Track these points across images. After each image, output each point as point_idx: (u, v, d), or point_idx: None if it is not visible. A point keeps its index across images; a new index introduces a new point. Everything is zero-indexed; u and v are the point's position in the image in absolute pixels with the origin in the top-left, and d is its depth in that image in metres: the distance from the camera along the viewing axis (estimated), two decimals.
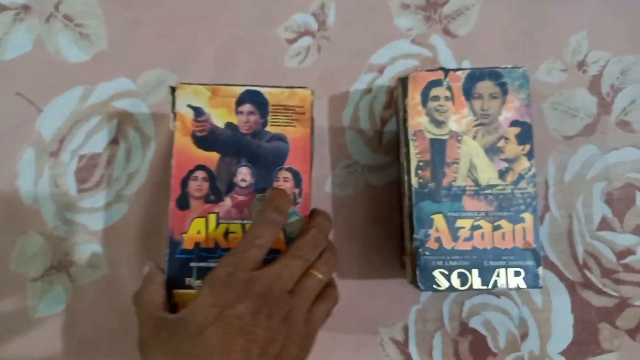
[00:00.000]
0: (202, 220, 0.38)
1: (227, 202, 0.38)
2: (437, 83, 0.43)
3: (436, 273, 0.41)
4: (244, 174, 0.39)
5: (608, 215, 0.49)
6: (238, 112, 0.40)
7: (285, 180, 0.39)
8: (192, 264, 0.38)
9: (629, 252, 0.48)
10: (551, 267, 0.48)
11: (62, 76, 0.50)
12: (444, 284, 0.41)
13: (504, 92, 0.43)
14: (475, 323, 0.48)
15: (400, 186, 0.47)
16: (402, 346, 0.48)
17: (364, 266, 0.49)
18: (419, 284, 0.41)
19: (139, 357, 0.33)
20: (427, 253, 0.41)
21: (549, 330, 0.48)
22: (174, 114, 0.39)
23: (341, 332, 0.48)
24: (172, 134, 0.40)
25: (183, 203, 0.39)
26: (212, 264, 0.37)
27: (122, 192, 0.49)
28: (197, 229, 0.38)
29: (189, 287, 0.37)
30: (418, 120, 0.43)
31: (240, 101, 0.40)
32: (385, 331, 0.48)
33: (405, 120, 0.43)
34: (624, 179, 0.49)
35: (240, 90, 0.40)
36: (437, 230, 0.42)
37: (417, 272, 0.41)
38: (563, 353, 0.47)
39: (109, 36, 0.51)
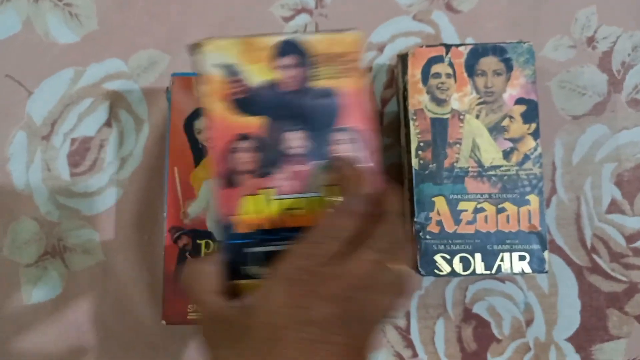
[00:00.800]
0: (254, 197, 0.32)
1: (282, 174, 0.32)
2: (438, 59, 0.41)
3: (437, 257, 0.40)
4: (294, 140, 0.32)
5: (618, 197, 0.47)
6: (278, 67, 0.33)
7: (341, 143, 0.33)
8: (248, 250, 0.32)
9: (639, 235, 0.47)
10: (558, 251, 0.47)
11: (52, 57, 0.48)
12: (445, 268, 0.40)
13: (509, 68, 0.41)
14: (479, 309, 0.46)
15: (401, 168, 0.45)
16: (404, 332, 0.47)
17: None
18: (420, 269, 0.40)
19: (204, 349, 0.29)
20: (428, 237, 0.40)
21: (555, 316, 0.46)
22: (200, 76, 0.33)
23: None
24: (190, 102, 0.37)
25: (229, 181, 0.32)
26: (271, 248, 0.31)
27: (116, 177, 0.48)
28: (249, 209, 0.32)
29: (247, 276, 0.31)
30: (418, 98, 0.41)
31: (279, 53, 0.33)
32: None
33: (405, 99, 0.41)
34: (634, 160, 0.47)
35: (277, 40, 0.33)
36: (438, 213, 0.40)
37: (418, 257, 0.40)
38: (570, 339, 0.46)
39: (99, 16, 0.49)
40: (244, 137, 0.32)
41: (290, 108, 0.33)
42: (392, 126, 0.48)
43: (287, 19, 0.49)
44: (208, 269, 0.30)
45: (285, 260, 0.27)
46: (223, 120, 0.32)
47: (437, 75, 0.41)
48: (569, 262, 0.46)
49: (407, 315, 0.47)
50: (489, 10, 0.49)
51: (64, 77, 0.48)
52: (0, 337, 0.46)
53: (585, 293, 0.46)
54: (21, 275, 0.46)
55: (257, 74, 0.33)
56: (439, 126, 0.41)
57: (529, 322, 0.46)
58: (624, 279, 0.46)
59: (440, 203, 0.40)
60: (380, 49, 0.49)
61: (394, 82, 0.49)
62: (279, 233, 0.32)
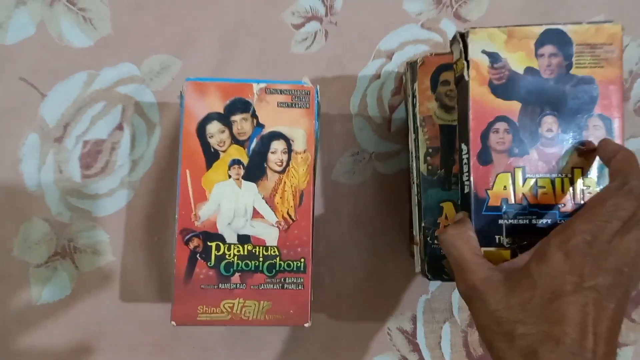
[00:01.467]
0: (507, 175, 0.35)
1: (533, 154, 0.35)
2: (447, 67, 0.41)
3: (445, 263, 0.40)
4: (549, 124, 0.35)
5: None
6: (538, 55, 0.35)
7: (596, 129, 0.35)
8: (501, 222, 0.35)
9: None
10: None
11: (66, 61, 0.49)
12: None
13: None
14: None
15: (409, 174, 0.46)
16: (410, 336, 0.47)
17: (372, 255, 0.48)
18: (427, 274, 0.40)
19: (467, 302, 0.32)
20: (435, 242, 0.40)
21: None
22: (467, 62, 0.35)
23: (348, 321, 0.47)
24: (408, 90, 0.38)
25: (485, 158, 0.35)
26: (521, 221, 0.35)
27: (127, 179, 0.48)
28: (502, 185, 0.35)
29: (501, 245, 0.35)
30: (427, 105, 0.42)
31: (540, 42, 0.35)
32: (393, 321, 0.47)
33: (414, 106, 0.42)
34: None
35: (539, 30, 0.35)
36: (446, 218, 0.40)
37: (426, 262, 0.40)
38: None
39: (112, 20, 0.50)
40: (502, 118, 0.35)
41: (547, 94, 0.35)
42: (400, 132, 0.49)
43: (298, 27, 0.50)
44: (471, 234, 0.34)
45: (567, 234, 0.30)
46: (483, 103, 0.35)
47: (446, 82, 0.41)
48: None
49: (414, 320, 0.47)
50: (498, 19, 0.50)
51: (77, 81, 0.49)
52: (10, 336, 0.46)
53: None
54: (31, 275, 0.47)
55: (519, 62, 0.35)
56: (448, 133, 0.41)
57: None
58: None
59: (448, 208, 0.41)
60: (389, 56, 0.50)
61: (403, 89, 0.49)
62: (527, 209, 0.35)
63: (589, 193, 0.35)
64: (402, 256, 0.47)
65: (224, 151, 0.39)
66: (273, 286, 0.39)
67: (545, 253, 0.30)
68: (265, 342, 0.47)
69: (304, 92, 0.40)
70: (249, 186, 0.39)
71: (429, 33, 0.50)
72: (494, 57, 0.35)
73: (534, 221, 0.35)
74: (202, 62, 0.49)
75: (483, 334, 0.31)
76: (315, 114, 0.40)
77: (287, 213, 0.39)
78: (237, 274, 0.39)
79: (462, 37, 0.36)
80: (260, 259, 0.39)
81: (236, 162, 0.39)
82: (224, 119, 0.40)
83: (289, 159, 0.40)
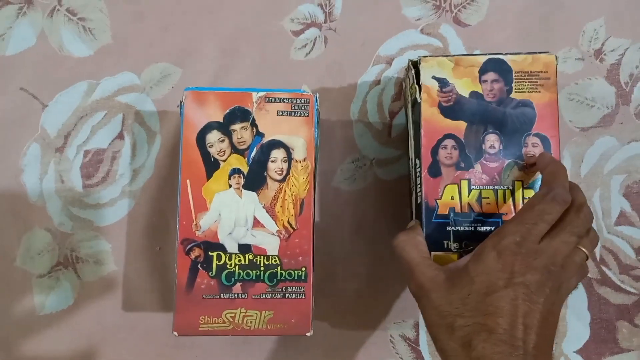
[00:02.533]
0: (455, 186, 0.39)
1: (478, 168, 0.39)
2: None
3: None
4: (492, 141, 0.39)
5: (627, 209, 0.47)
6: (482, 81, 0.40)
7: (534, 146, 0.39)
8: (449, 228, 0.39)
9: None
10: None
11: (66, 71, 0.49)
12: None
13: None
14: None
15: (409, 180, 0.46)
16: (413, 343, 0.47)
17: (373, 262, 0.47)
18: None
19: (417, 300, 0.35)
20: None
21: (565, 328, 0.46)
22: (419, 86, 0.40)
23: (351, 329, 0.47)
24: (416, 105, 0.40)
25: (435, 171, 0.39)
26: (467, 228, 0.39)
27: (128, 188, 0.48)
28: (450, 195, 0.39)
29: (449, 249, 0.39)
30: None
31: (483, 70, 0.40)
32: (396, 328, 0.47)
33: (413, 111, 0.42)
34: None
35: (482, 59, 0.40)
36: None
37: None
38: (579, 352, 0.46)
39: (112, 30, 0.50)
40: (449, 136, 0.40)
41: (490, 115, 0.40)
42: (401, 138, 0.49)
43: (297, 33, 0.50)
44: (420, 239, 0.38)
45: (502, 237, 0.33)
46: (433, 122, 0.40)
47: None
48: None
49: (416, 327, 0.47)
50: (497, 23, 0.50)
51: (77, 90, 0.49)
52: (13, 347, 0.46)
53: (595, 305, 0.46)
54: (34, 285, 0.47)
55: (465, 87, 0.40)
56: None
57: None
58: (633, 290, 0.46)
59: None
60: (389, 62, 0.50)
61: (403, 94, 0.49)
62: (472, 217, 0.39)
63: None
64: None
65: (224, 160, 0.39)
66: (274, 295, 0.39)
67: (482, 253, 0.33)
68: (267, 351, 0.47)
69: (303, 100, 0.40)
70: (250, 195, 0.39)
71: (428, 38, 0.50)
72: (442, 82, 0.40)
73: (478, 228, 0.39)
74: (203, 70, 0.49)
75: (429, 328, 0.34)
76: (315, 122, 0.40)
77: (288, 222, 0.39)
78: (238, 284, 0.39)
79: (415, 64, 0.40)
80: (262, 269, 0.39)
81: (236, 171, 0.39)
82: (224, 128, 0.40)
83: (289, 167, 0.40)
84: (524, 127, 0.39)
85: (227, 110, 0.40)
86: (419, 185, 0.40)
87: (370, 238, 0.48)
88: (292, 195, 0.39)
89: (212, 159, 0.39)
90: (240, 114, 0.40)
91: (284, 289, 0.39)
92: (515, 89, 0.40)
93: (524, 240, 0.33)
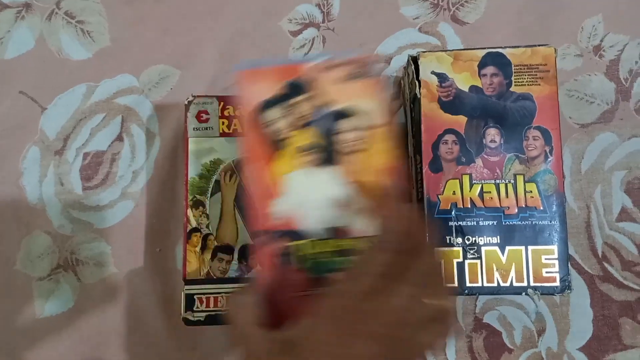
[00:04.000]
0: (456, 181, 0.39)
1: (479, 163, 0.39)
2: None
3: None
4: (492, 135, 0.39)
5: (628, 205, 0.47)
6: (481, 75, 0.40)
7: (534, 139, 0.39)
8: (451, 223, 0.38)
9: None
10: (569, 260, 0.46)
11: (65, 74, 0.49)
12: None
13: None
14: (489, 318, 0.46)
15: (409, 179, 0.45)
16: None
17: None
18: None
19: None
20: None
21: (568, 325, 0.46)
22: (419, 81, 0.39)
23: None
24: (411, 102, 0.39)
25: (436, 166, 0.39)
26: (469, 223, 0.38)
27: (128, 190, 0.48)
28: (451, 190, 0.39)
29: (451, 245, 0.38)
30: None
31: (482, 64, 0.40)
32: None
33: (412, 109, 0.42)
34: None
35: (481, 53, 0.40)
36: None
37: None
38: (582, 349, 0.46)
39: (111, 33, 0.50)
40: (450, 131, 0.39)
41: (490, 109, 0.39)
42: (399, 137, 0.48)
43: (295, 34, 0.50)
44: (248, 301, 0.31)
45: (327, 298, 0.28)
46: (433, 118, 0.39)
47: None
48: (581, 271, 0.46)
49: None
50: (495, 21, 0.50)
51: (76, 93, 0.49)
52: (14, 350, 0.46)
53: (597, 302, 0.46)
54: (34, 288, 0.47)
55: (464, 81, 0.39)
56: None
57: (540, 332, 0.46)
58: (636, 287, 0.46)
59: None
60: (387, 61, 0.49)
61: (402, 93, 0.49)
62: (474, 211, 0.38)
63: (532, 197, 0.39)
64: None
65: (288, 139, 0.35)
66: None
67: (309, 321, 0.27)
68: None
69: (366, 63, 0.36)
70: (324, 172, 0.34)
71: (427, 37, 0.50)
72: (442, 77, 0.40)
73: (481, 222, 0.38)
74: (201, 71, 0.49)
75: None
76: (384, 82, 0.39)
77: (372, 197, 0.34)
78: (328, 274, 0.33)
79: (414, 60, 0.40)
80: (351, 253, 0.34)
81: (304, 148, 0.35)
82: (283, 103, 0.35)
83: (363, 136, 0.35)
84: (525, 121, 0.39)
85: (284, 84, 0.35)
86: (419, 182, 0.40)
87: None
88: (372, 166, 0.34)
89: (275, 139, 0.35)
90: (298, 87, 0.35)
91: None
92: (515, 82, 0.40)
93: (348, 302, 0.27)
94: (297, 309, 0.30)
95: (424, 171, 0.39)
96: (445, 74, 0.40)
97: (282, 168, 0.34)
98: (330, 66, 0.35)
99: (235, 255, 0.40)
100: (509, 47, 0.40)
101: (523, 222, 0.38)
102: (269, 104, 0.35)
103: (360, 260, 0.29)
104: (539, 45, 0.40)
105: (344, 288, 0.28)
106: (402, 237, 0.29)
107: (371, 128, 0.34)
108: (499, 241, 0.38)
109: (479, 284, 0.38)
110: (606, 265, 0.46)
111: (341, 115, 0.35)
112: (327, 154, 0.34)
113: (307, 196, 0.34)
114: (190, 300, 0.39)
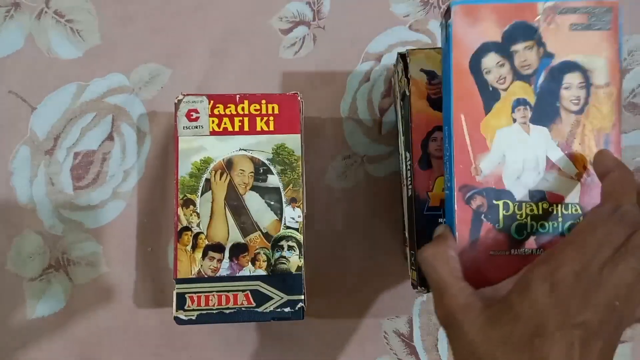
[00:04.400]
0: (442, 178, 0.38)
1: None
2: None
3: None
4: None
5: None
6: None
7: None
8: (441, 220, 0.38)
9: None
10: None
11: (55, 73, 0.49)
12: None
13: None
14: None
15: (400, 176, 0.46)
16: (407, 339, 0.47)
17: (365, 259, 0.47)
18: (418, 286, 0.39)
19: (445, 329, 0.30)
20: None
21: None
22: (408, 79, 0.39)
23: (344, 325, 0.47)
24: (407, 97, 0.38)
25: (425, 163, 0.39)
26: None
27: (119, 189, 0.48)
28: (441, 187, 0.39)
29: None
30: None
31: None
32: (389, 324, 0.47)
33: (402, 107, 0.42)
34: (634, 163, 0.48)
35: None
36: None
37: (417, 271, 0.40)
38: None
39: (100, 31, 0.50)
40: (440, 128, 0.38)
41: None
42: (391, 135, 0.49)
43: (286, 32, 0.50)
44: (452, 254, 0.31)
45: (554, 264, 0.27)
46: (422, 115, 0.39)
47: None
48: None
49: (410, 322, 0.47)
50: None
51: (66, 92, 0.49)
52: (5, 351, 0.46)
53: None
54: (25, 289, 0.47)
55: None
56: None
57: None
58: None
59: None
60: (378, 58, 0.50)
61: (392, 90, 0.49)
62: None
63: None
64: (396, 258, 0.47)
65: (505, 89, 0.33)
66: None
67: (529, 284, 0.27)
68: (261, 348, 0.47)
69: (604, 10, 0.33)
70: (540, 131, 0.33)
71: (417, 34, 0.50)
72: (431, 75, 0.39)
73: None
74: (192, 70, 0.49)
75: None
76: (620, 38, 0.33)
77: (590, 163, 0.33)
78: (531, 238, 0.32)
79: (403, 57, 0.39)
80: (560, 219, 0.33)
81: (521, 102, 0.33)
82: (503, 49, 0.33)
83: (588, 95, 0.33)
84: None
85: (507, 27, 0.33)
86: (409, 179, 0.40)
87: (362, 234, 0.48)
88: (593, 129, 0.33)
89: (491, 88, 0.33)
90: (523, 31, 0.33)
91: None
92: None
93: (584, 271, 0.26)
94: (499, 268, 0.32)
95: (413, 168, 0.39)
96: (434, 71, 0.40)
97: (496, 122, 0.33)
98: (562, 10, 0.32)
99: (227, 254, 0.40)
100: None
101: None
102: (488, 47, 0.33)
103: (591, 228, 0.28)
104: None
105: (582, 257, 0.27)
106: (638, 210, 0.28)
107: (597, 87, 0.32)
108: None
109: None
110: None
111: (567, 69, 0.32)
112: (543, 111, 0.33)
113: (518, 154, 0.33)
114: (181, 299, 0.39)
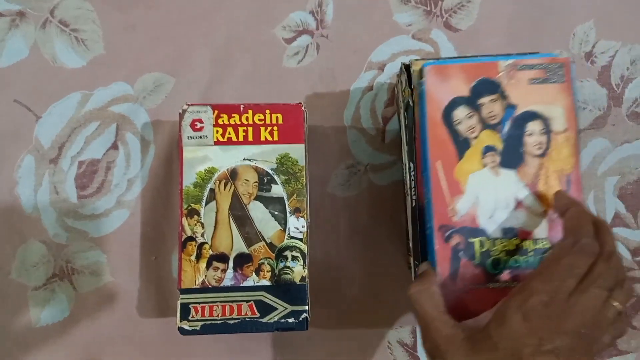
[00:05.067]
0: None
1: None
2: None
3: None
4: None
5: (621, 211, 0.47)
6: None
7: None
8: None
9: None
10: None
11: (60, 82, 0.49)
12: None
13: None
14: None
15: (403, 185, 0.46)
16: (411, 349, 0.47)
17: (369, 268, 0.47)
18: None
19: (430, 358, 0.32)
20: None
21: None
22: (412, 89, 0.38)
23: (348, 335, 0.47)
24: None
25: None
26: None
27: (123, 198, 0.48)
28: None
29: None
30: None
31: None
32: (393, 334, 0.47)
33: (406, 117, 0.42)
34: (637, 173, 0.48)
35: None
36: None
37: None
38: None
39: (105, 40, 0.50)
40: None
41: None
42: (394, 143, 0.49)
43: (289, 41, 0.50)
44: (435, 289, 0.34)
45: (525, 295, 0.30)
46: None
47: None
48: None
49: (414, 333, 0.47)
50: (488, 27, 0.50)
51: (71, 101, 0.49)
52: None
53: None
54: (29, 298, 0.47)
55: None
56: None
57: None
58: None
59: None
60: (381, 67, 0.50)
61: (395, 100, 0.49)
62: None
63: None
64: (400, 268, 0.47)
65: (475, 138, 0.36)
66: None
67: (504, 315, 0.30)
68: (265, 357, 0.47)
69: (557, 65, 0.36)
70: (508, 174, 0.36)
71: (419, 44, 0.50)
72: None
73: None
74: (196, 78, 0.50)
75: None
76: (573, 88, 0.36)
77: (558, 202, 0.35)
78: (506, 271, 0.35)
79: (407, 68, 0.39)
80: (531, 253, 0.35)
81: (490, 148, 0.36)
82: (472, 102, 0.36)
83: (549, 140, 0.36)
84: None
85: (474, 83, 0.36)
86: (413, 189, 0.40)
87: (365, 243, 0.48)
88: (555, 171, 0.36)
89: (462, 137, 0.36)
90: (488, 86, 0.36)
91: None
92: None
93: (552, 300, 0.29)
94: (478, 301, 0.34)
95: (417, 179, 0.39)
96: None
97: (468, 167, 0.36)
98: (521, 66, 0.36)
99: (231, 264, 0.40)
100: (501, 55, 0.39)
101: None
102: (458, 101, 0.36)
103: (555, 261, 0.31)
104: (530, 54, 0.39)
105: (549, 288, 0.30)
106: (596, 241, 0.31)
107: (556, 133, 0.36)
108: None
109: None
110: None
111: (529, 117, 0.36)
112: (509, 156, 0.36)
113: (490, 195, 0.36)
114: (185, 309, 0.39)
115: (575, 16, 0.50)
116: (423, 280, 0.35)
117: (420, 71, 0.37)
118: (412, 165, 0.40)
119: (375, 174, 0.49)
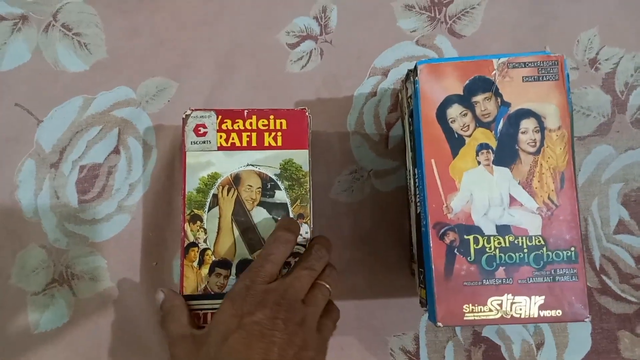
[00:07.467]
0: None
1: None
2: None
3: None
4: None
5: (625, 217, 0.47)
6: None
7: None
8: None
9: None
10: None
11: (62, 86, 0.49)
12: None
13: None
14: (488, 332, 0.46)
15: (407, 191, 0.45)
16: (413, 356, 0.46)
17: (372, 274, 0.47)
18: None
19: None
20: None
21: (566, 339, 0.46)
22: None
23: (350, 342, 0.46)
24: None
25: None
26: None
27: (124, 203, 0.48)
28: None
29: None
30: None
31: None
32: (396, 341, 0.46)
33: (410, 123, 0.42)
34: None
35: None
36: None
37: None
38: None
39: (107, 45, 0.50)
40: None
41: None
42: (398, 149, 0.48)
43: (292, 46, 0.50)
44: (178, 303, 0.38)
45: (234, 285, 0.36)
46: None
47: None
48: None
49: (416, 339, 0.46)
50: (492, 34, 0.50)
51: (73, 105, 0.49)
52: None
53: (596, 315, 0.46)
54: (28, 303, 0.46)
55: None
56: None
57: (539, 346, 0.46)
58: (634, 300, 0.46)
59: None
60: (385, 73, 0.50)
61: (399, 105, 0.49)
62: None
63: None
64: (403, 274, 0.47)
65: (469, 136, 0.37)
66: (543, 279, 0.36)
67: (220, 306, 0.35)
68: None
69: (550, 63, 0.37)
70: (502, 172, 0.37)
71: (424, 49, 0.50)
72: None
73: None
74: (199, 83, 0.49)
75: None
76: (567, 86, 0.37)
77: (549, 198, 0.36)
78: (501, 268, 0.36)
79: (415, 71, 0.38)
80: (525, 250, 0.36)
81: (484, 146, 0.37)
82: (465, 100, 0.37)
83: (543, 137, 0.36)
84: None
85: (467, 81, 0.37)
86: (417, 196, 0.40)
87: (368, 249, 0.47)
88: (549, 168, 0.36)
89: (456, 135, 0.37)
90: (481, 84, 0.37)
91: (552, 271, 0.36)
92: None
93: (253, 283, 0.35)
94: (472, 297, 0.36)
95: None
96: None
97: (462, 164, 0.37)
98: (514, 64, 0.37)
99: (233, 270, 0.40)
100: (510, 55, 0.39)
101: None
102: (452, 99, 0.37)
103: (260, 253, 0.37)
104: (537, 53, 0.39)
105: (249, 274, 0.36)
106: (291, 232, 0.38)
107: (550, 131, 0.36)
108: None
109: None
110: (604, 278, 0.46)
111: (523, 115, 0.36)
112: (503, 153, 0.36)
113: (484, 193, 0.36)
114: None
115: (579, 23, 0.50)
116: (170, 296, 0.39)
117: (415, 70, 0.37)
118: (416, 171, 0.40)
119: (379, 179, 0.48)
